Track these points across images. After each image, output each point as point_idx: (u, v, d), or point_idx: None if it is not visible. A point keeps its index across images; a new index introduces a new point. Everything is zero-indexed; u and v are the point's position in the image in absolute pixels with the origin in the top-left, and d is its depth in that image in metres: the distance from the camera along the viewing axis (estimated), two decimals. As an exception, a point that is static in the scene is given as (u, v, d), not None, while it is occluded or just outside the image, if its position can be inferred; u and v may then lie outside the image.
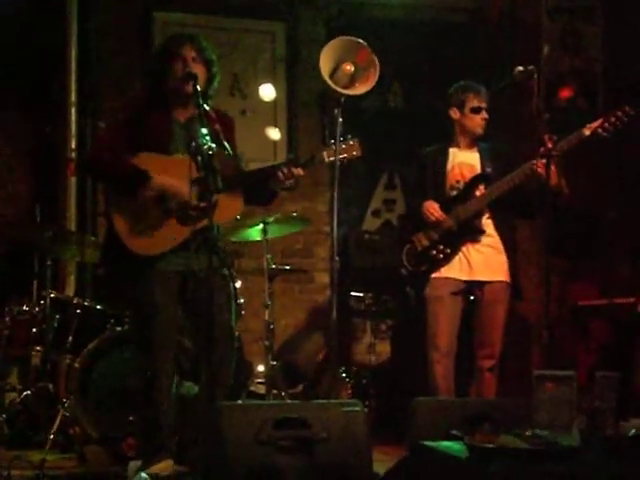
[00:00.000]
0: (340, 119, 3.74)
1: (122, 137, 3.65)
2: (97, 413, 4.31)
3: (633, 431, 2.72)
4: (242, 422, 2.93)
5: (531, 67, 4.05)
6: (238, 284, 4.69)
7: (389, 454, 3.88)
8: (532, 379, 2.76)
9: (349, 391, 5.13)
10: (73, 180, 5.63)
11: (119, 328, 4.50)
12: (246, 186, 3.71)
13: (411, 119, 6.39)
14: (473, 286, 4.37)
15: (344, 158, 3.74)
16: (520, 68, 4.10)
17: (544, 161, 3.97)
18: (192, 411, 3.77)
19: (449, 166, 4.43)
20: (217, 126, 3.52)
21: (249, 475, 2.88)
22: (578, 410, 2.74)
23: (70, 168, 5.63)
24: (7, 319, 4.63)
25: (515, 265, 4.42)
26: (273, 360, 4.78)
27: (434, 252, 4.36)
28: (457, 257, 4.35)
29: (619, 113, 4.02)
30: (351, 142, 3.76)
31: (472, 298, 4.42)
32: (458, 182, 4.41)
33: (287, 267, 5.25)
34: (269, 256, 4.79)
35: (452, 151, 4.46)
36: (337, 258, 3.80)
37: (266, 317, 4.75)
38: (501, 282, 4.36)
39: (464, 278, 4.34)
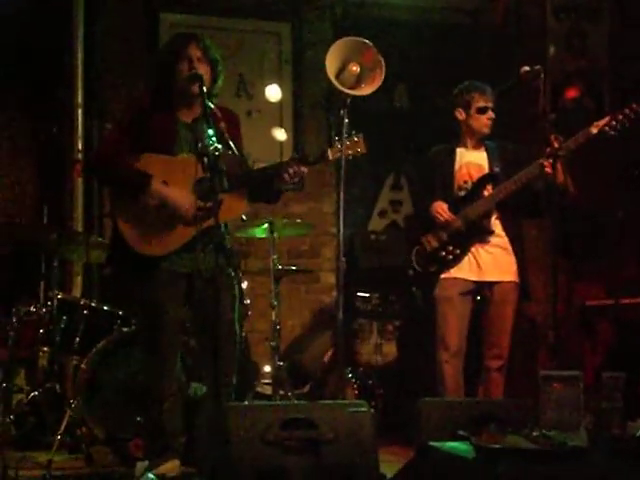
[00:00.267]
0: (346, 119, 3.74)
1: (127, 139, 3.65)
2: (104, 414, 4.31)
3: (640, 431, 2.71)
4: (249, 423, 2.93)
5: (537, 67, 4.04)
6: (244, 285, 4.70)
7: (396, 455, 3.88)
8: (539, 379, 2.76)
9: (356, 392, 5.13)
10: (80, 181, 5.65)
11: (126, 329, 4.51)
12: (251, 185, 3.71)
13: (417, 120, 6.39)
14: (482, 286, 4.36)
15: (349, 155, 3.73)
16: (526, 68, 4.10)
17: (551, 161, 3.96)
18: (199, 412, 3.77)
19: (457, 166, 4.42)
20: (222, 125, 3.52)
21: (256, 476, 2.88)
22: (585, 410, 2.74)
23: (77, 169, 5.64)
24: (14, 320, 4.63)
25: (523, 265, 4.41)
26: (280, 361, 4.78)
27: (443, 253, 4.36)
28: (466, 258, 4.34)
29: (627, 111, 4.01)
30: (355, 138, 3.76)
31: (479, 298, 4.41)
32: (466, 182, 4.40)
33: (293, 268, 5.25)
34: (275, 257, 4.79)
35: (459, 151, 4.45)
36: (343, 259, 3.80)
37: (272, 318, 4.76)
38: (510, 282, 4.35)
39: (473, 278, 4.34)
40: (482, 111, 4.38)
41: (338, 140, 3.73)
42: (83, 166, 5.58)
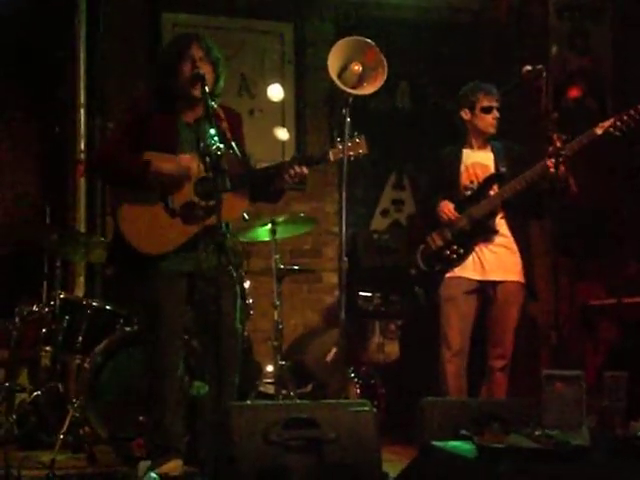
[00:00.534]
0: (348, 119, 3.75)
1: (128, 139, 3.66)
2: (107, 413, 4.32)
3: (643, 431, 2.71)
4: (251, 422, 2.93)
5: (539, 66, 4.04)
6: (247, 284, 4.70)
7: (398, 454, 3.89)
8: (541, 379, 2.76)
9: (358, 391, 5.13)
10: (82, 181, 5.65)
11: (128, 328, 4.51)
12: (253, 184, 3.71)
13: (419, 119, 6.39)
14: (486, 286, 4.36)
15: (351, 156, 3.74)
16: (528, 67, 4.10)
17: (554, 160, 3.96)
18: (201, 411, 3.78)
19: (463, 167, 4.43)
20: (224, 124, 3.52)
21: (258, 475, 2.88)
22: (587, 410, 2.74)
23: (79, 169, 5.64)
24: (17, 320, 4.65)
25: (530, 265, 4.41)
26: (282, 360, 4.78)
27: (448, 252, 4.37)
28: (470, 257, 4.35)
29: (632, 112, 4.02)
30: (357, 140, 3.76)
31: (484, 298, 4.42)
32: (472, 182, 4.41)
33: (296, 267, 5.25)
34: (278, 256, 4.80)
35: (466, 152, 4.46)
36: (345, 258, 3.80)
37: (275, 317, 4.76)
38: (514, 282, 4.36)
39: (477, 278, 4.35)
40: (487, 111, 4.39)
41: (340, 141, 3.73)
42: (85, 166, 5.59)
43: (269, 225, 4.72)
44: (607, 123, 4.06)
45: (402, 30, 6.15)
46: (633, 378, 2.88)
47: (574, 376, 2.75)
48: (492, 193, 4.36)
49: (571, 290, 5.29)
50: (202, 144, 3.39)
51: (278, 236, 4.76)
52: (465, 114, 4.44)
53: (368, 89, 3.82)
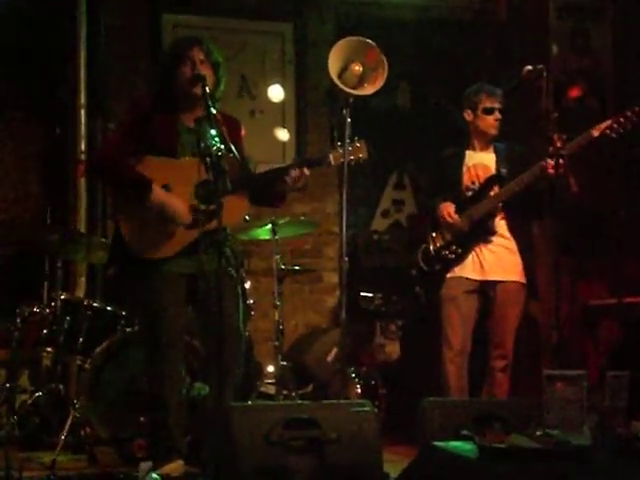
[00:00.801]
0: (349, 119, 3.75)
1: (129, 140, 3.66)
2: (108, 414, 4.32)
3: (644, 431, 2.71)
4: (252, 423, 2.94)
5: (540, 66, 4.05)
6: (248, 285, 4.70)
7: (399, 454, 3.89)
8: (542, 379, 2.76)
9: (359, 391, 5.13)
10: (83, 182, 5.64)
11: (129, 329, 4.51)
12: (255, 188, 3.71)
13: (419, 119, 6.39)
14: (486, 286, 4.37)
15: (351, 160, 3.74)
16: (529, 67, 4.10)
17: (554, 160, 3.96)
18: (203, 412, 3.78)
19: (465, 167, 4.45)
20: (224, 128, 3.53)
21: (259, 475, 2.88)
22: (589, 410, 2.74)
23: (80, 170, 5.64)
24: (18, 320, 4.64)
25: (532, 264, 4.42)
26: (283, 360, 4.78)
27: (447, 252, 4.38)
28: (470, 257, 4.36)
29: (629, 114, 4.02)
30: (357, 144, 3.76)
31: (485, 298, 4.42)
32: (474, 183, 4.43)
33: (296, 267, 5.26)
34: (278, 257, 4.80)
35: (468, 153, 4.48)
36: (346, 258, 3.80)
37: (276, 317, 4.76)
38: (514, 282, 4.36)
39: (477, 278, 4.36)
40: (489, 112, 4.39)
41: (340, 145, 3.73)
42: (85, 166, 5.58)
43: (269, 226, 4.73)
44: (604, 125, 4.07)
45: (402, 30, 6.15)
46: (634, 378, 2.88)
47: (575, 376, 2.75)
48: (492, 194, 4.37)
49: (572, 290, 5.29)
50: (202, 145, 3.38)
51: (279, 236, 4.77)
52: (468, 115, 4.45)
53: (368, 89, 3.82)
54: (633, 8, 5.63)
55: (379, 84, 3.81)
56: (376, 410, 3.12)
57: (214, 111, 3.51)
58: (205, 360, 3.78)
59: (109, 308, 4.65)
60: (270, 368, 5.10)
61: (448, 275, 4.37)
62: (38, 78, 5.80)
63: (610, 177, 5.53)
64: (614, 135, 4.04)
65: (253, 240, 4.93)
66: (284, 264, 4.90)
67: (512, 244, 4.39)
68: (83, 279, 5.58)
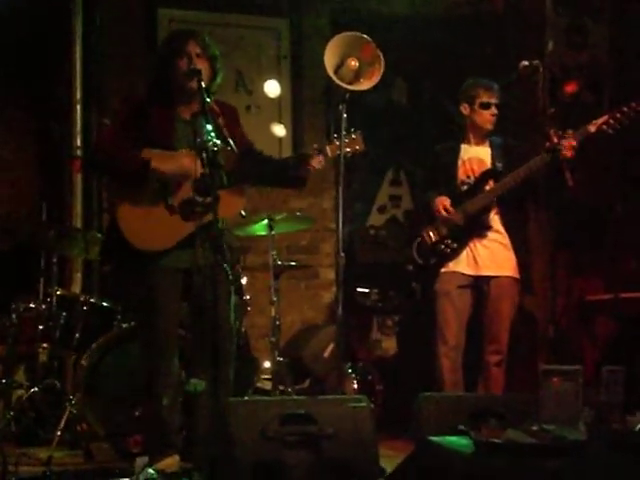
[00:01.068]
0: (345, 115, 3.74)
1: (125, 133, 3.65)
2: (104, 410, 4.32)
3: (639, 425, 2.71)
4: (248, 418, 2.94)
5: (536, 62, 4.05)
6: (244, 280, 4.70)
7: (396, 449, 3.89)
8: (538, 374, 2.76)
9: (355, 387, 5.13)
10: (79, 177, 5.64)
11: (125, 325, 4.50)
12: (274, 172, 3.74)
13: (416, 114, 6.39)
14: (480, 281, 4.38)
15: (348, 152, 3.74)
16: (525, 63, 4.11)
17: (571, 143, 3.95)
18: (198, 407, 3.78)
19: (460, 161, 4.45)
20: (220, 120, 3.52)
21: (256, 471, 2.89)
22: (584, 404, 2.74)
23: (76, 165, 5.63)
24: (14, 316, 4.64)
25: (527, 259, 4.42)
26: (279, 356, 4.78)
27: (442, 246, 4.39)
28: (464, 252, 4.37)
29: (625, 109, 4.02)
30: (353, 136, 3.76)
31: (479, 293, 4.43)
32: (469, 177, 4.43)
33: (293, 263, 5.25)
34: (275, 252, 4.79)
35: (463, 147, 4.48)
36: (343, 254, 3.80)
37: (272, 313, 4.75)
38: (508, 277, 4.37)
39: (471, 273, 4.36)
40: (485, 106, 4.39)
41: (336, 137, 3.73)
42: (83, 158, 5.56)
43: (266, 221, 4.72)
44: (600, 120, 4.07)
45: (399, 25, 6.14)
46: (630, 373, 2.88)
47: (571, 371, 2.75)
48: (487, 188, 4.37)
49: (568, 285, 5.30)
50: (198, 140, 3.38)
51: (275, 232, 4.76)
52: (464, 109, 4.45)
53: (365, 84, 3.82)
54: (630, 4, 5.63)
55: (375, 79, 3.80)
56: (372, 405, 3.12)
57: (209, 100, 3.51)
58: (199, 355, 3.77)
59: (105, 304, 4.64)
60: (267, 364, 5.10)
61: (442, 270, 4.38)
62: (34, 75, 5.79)
63: (607, 172, 5.53)
64: (611, 131, 4.04)
65: (249, 236, 4.92)
66: (280, 260, 4.90)
67: (506, 239, 4.40)
68: (79, 275, 5.58)
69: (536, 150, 4.19)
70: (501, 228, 4.40)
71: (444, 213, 4.34)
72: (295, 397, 4.62)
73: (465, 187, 4.42)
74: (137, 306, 3.94)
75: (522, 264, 4.44)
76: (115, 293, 4.68)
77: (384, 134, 6.10)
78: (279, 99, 6.13)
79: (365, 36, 3.81)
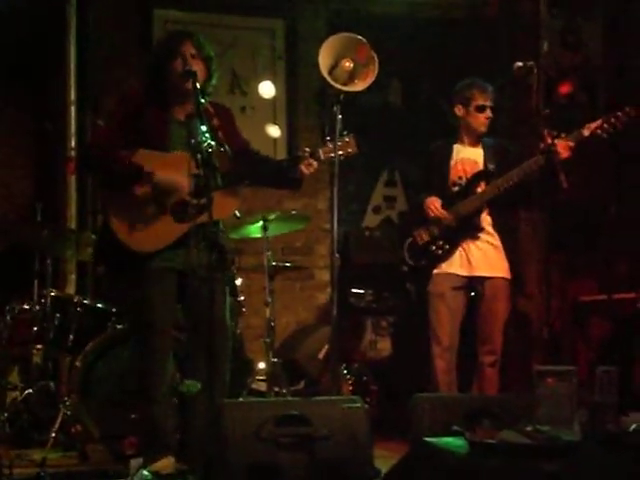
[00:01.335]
0: (339, 116, 3.74)
1: (119, 134, 3.65)
2: (98, 411, 4.31)
3: (634, 426, 2.72)
4: (243, 419, 2.94)
5: (530, 63, 4.05)
6: (239, 282, 4.70)
7: (390, 450, 3.89)
8: (533, 374, 2.76)
9: (350, 388, 5.13)
10: (73, 178, 5.63)
11: (120, 326, 4.49)
12: (270, 173, 3.74)
13: (411, 115, 6.39)
14: (474, 282, 4.38)
15: (341, 155, 3.74)
16: (519, 64, 4.11)
17: (568, 143, 3.96)
18: (193, 409, 3.77)
19: (452, 162, 4.45)
20: (215, 121, 3.52)
21: (250, 472, 2.88)
22: (579, 405, 2.74)
23: (70, 166, 5.62)
24: (8, 318, 4.63)
25: (518, 260, 4.42)
26: (274, 357, 4.78)
27: (433, 247, 4.39)
28: (457, 253, 4.37)
29: (619, 114, 4.03)
30: (347, 139, 3.76)
31: (473, 294, 4.43)
32: (460, 178, 4.43)
33: (287, 264, 5.25)
34: (269, 253, 4.79)
35: (456, 147, 4.48)
36: (337, 255, 3.80)
37: (267, 314, 4.75)
38: (501, 279, 4.38)
39: (464, 274, 4.37)
40: (480, 109, 4.40)
41: (330, 140, 3.73)
42: (77, 157, 5.55)
43: (261, 222, 4.72)
44: (594, 125, 4.08)
45: (394, 26, 6.14)
46: (624, 373, 2.88)
47: (566, 372, 2.75)
48: (479, 190, 4.38)
49: (562, 286, 5.31)
50: (193, 141, 3.38)
51: (270, 233, 4.76)
52: (459, 110, 4.45)
53: (359, 85, 3.82)
54: (624, 4, 5.64)
55: (370, 80, 3.80)
56: (367, 406, 3.12)
57: (204, 102, 3.51)
58: (194, 357, 3.77)
59: (99, 305, 4.63)
60: (261, 365, 5.10)
61: (435, 271, 4.38)
62: (28, 74, 5.78)
63: (600, 174, 5.54)
64: (605, 135, 4.05)
65: (244, 237, 4.92)
66: (275, 261, 4.90)
67: (497, 240, 4.41)
68: (73, 276, 5.57)
69: (530, 152, 4.20)
70: (493, 229, 4.41)
71: (436, 213, 4.34)
72: (289, 398, 4.61)
73: (457, 188, 4.42)
74: (131, 307, 3.94)
75: (515, 266, 4.44)
76: (109, 294, 4.67)
77: (379, 135, 6.10)
78: (274, 100, 6.13)
79: (360, 37, 3.81)
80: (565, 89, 5.73)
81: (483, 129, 4.43)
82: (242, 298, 4.70)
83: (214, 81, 3.78)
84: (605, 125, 4.04)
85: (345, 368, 5.21)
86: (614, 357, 4.67)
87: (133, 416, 4.17)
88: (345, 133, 3.76)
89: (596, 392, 2.82)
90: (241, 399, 4.43)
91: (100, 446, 4.30)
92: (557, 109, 5.45)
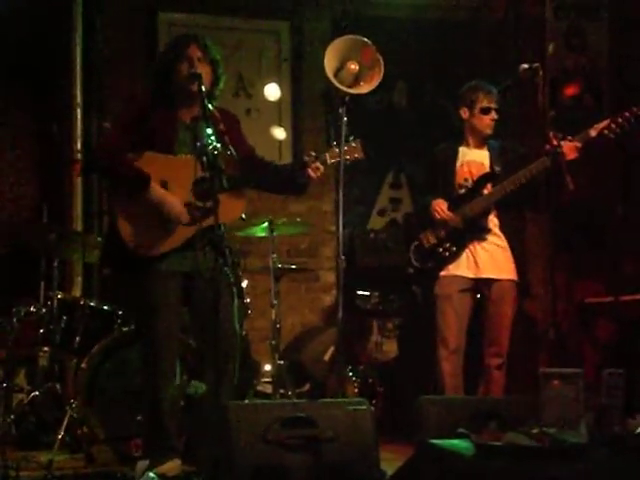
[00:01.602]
0: (345, 118, 3.75)
1: (127, 137, 3.66)
2: (104, 413, 4.31)
3: (640, 428, 2.72)
4: (249, 421, 2.94)
5: (536, 65, 4.05)
6: (244, 284, 4.70)
7: (396, 452, 3.88)
8: (539, 377, 2.76)
9: (356, 390, 5.13)
10: (79, 181, 5.64)
11: (126, 328, 4.50)
12: (276, 178, 3.75)
13: (416, 117, 6.39)
14: (481, 284, 4.38)
15: (347, 160, 3.74)
16: (525, 66, 4.11)
17: (575, 144, 3.96)
18: (199, 410, 3.78)
19: (458, 164, 4.44)
20: (221, 126, 3.53)
21: (256, 474, 2.89)
22: (585, 407, 2.74)
23: (76, 169, 5.64)
24: (14, 320, 4.63)
25: (523, 262, 4.42)
26: (280, 359, 4.78)
27: (440, 250, 4.38)
28: (464, 255, 4.37)
29: (627, 114, 4.03)
30: (353, 144, 3.76)
31: (479, 296, 4.43)
32: (466, 180, 4.43)
33: (293, 266, 5.25)
34: (275, 255, 4.80)
35: (462, 150, 4.47)
36: (343, 257, 3.80)
37: (272, 316, 4.76)
38: (508, 280, 4.37)
39: (471, 276, 4.36)
40: (485, 111, 4.39)
41: (336, 144, 3.73)
42: (83, 160, 5.56)
43: (266, 224, 4.73)
44: (601, 125, 4.08)
45: (399, 28, 6.15)
46: (631, 376, 2.88)
47: (572, 374, 2.75)
48: (486, 192, 4.37)
49: (569, 288, 5.30)
50: (199, 143, 3.39)
51: (275, 234, 4.77)
52: (464, 113, 4.45)
53: (365, 88, 3.82)
54: (629, 6, 5.64)
55: (375, 83, 3.81)
56: (373, 408, 3.13)
57: (211, 107, 3.52)
58: (202, 359, 3.78)
59: (106, 307, 4.64)
60: (267, 367, 5.10)
61: (442, 273, 4.37)
62: (34, 77, 5.79)
63: (607, 174, 5.53)
64: (612, 135, 4.04)
65: (250, 238, 4.93)
66: (281, 263, 4.90)
67: (504, 242, 4.40)
68: (79, 278, 5.58)
69: (535, 153, 4.20)
70: (500, 231, 4.40)
71: (443, 215, 4.33)
72: (295, 400, 4.61)
73: (463, 190, 4.42)
74: (137, 310, 3.94)
75: (521, 267, 4.44)
76: (115, 297, 4.68)
77: (385, 137, 6.10)
78: (279, 102, 6.14)
79: (365, 39, 3.81)
80: (571, 91, 5.73)
81: (488, 131, 4.43)
82: (248, 300, 4.70)
83: (221, 85, 3.78)
84: (612, 125, 4.04)
85: (351, 370, 5.21)
86: (620, 359, 4.67)
87: (139, 418, 4.17)
88: (352, 138, 3.76)
89: (602, 394, 2.82)
90: (247, 401, 4.43)
91: (106, 448, 4.30)
92: (562, 111, 5.45)
